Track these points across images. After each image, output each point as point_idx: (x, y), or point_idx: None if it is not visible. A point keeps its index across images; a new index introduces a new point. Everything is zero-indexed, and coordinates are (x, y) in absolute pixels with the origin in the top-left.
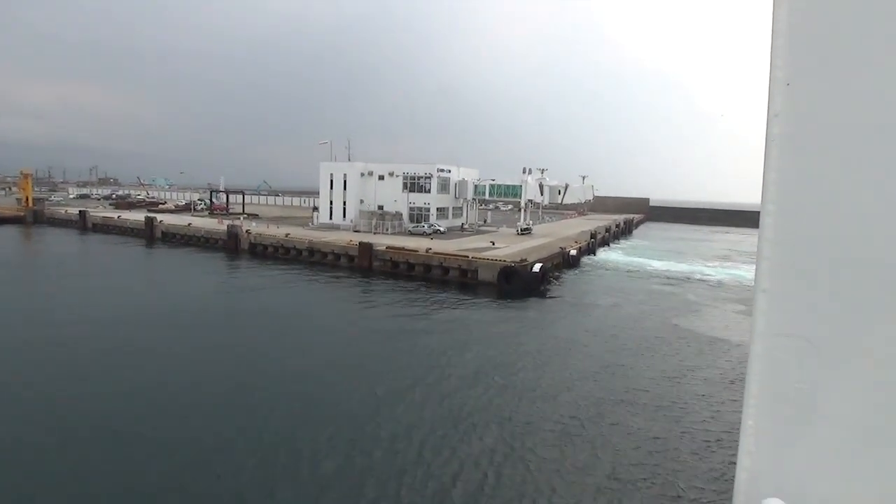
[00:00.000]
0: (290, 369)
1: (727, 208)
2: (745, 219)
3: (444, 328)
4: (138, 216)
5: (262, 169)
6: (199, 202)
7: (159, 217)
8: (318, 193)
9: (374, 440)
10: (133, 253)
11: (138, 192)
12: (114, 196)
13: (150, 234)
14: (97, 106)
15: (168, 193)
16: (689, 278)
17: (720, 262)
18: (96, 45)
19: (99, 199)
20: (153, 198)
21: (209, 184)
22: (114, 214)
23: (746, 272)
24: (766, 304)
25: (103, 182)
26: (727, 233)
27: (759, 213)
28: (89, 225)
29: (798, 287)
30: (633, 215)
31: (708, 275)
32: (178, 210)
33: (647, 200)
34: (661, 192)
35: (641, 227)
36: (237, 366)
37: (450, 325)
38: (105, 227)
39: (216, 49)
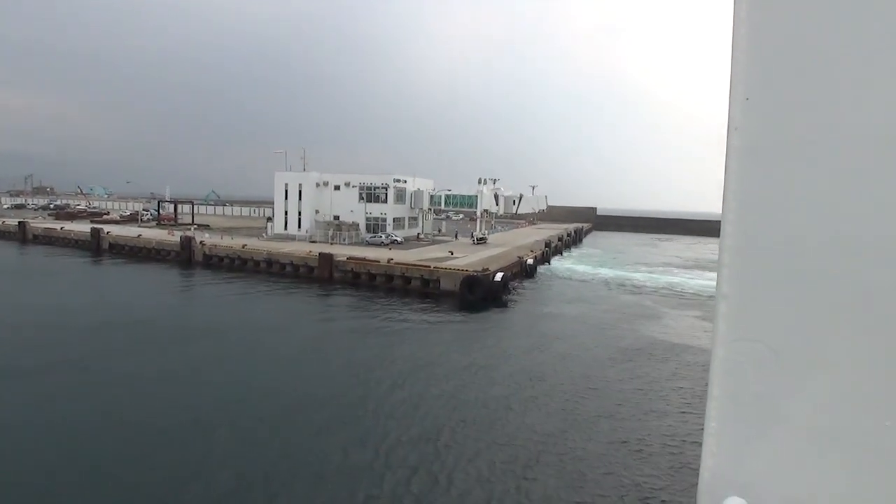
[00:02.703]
0: (263, 385)
1: (667, 217)
2: (683, 227)
3: (413, 339)
4: (82, 227)
5: (208, 178)
6: (146, 213)
7: (106, 228)
8: (269, 203)
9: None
10: (80, 266)
11: (78, 203)
12: (52, 206)
13: (96, 246)
14: (21, 108)
15: (108, 203)
16: (640, 285)
17: (661, 266)
18: (15, 45)
19: (36, 210)
20: (95, 208)
21: (152, 193)
22: (56, 225)
23: (683, 278)
24: (727, 309)
25: (39, 191)
26: (669, 240)
27: (696, 220)
28: (30, 237)
29: (757, 293)
30: (581, 224)
31: (650, 281)
32: (124, 221)
33: (594, 210)
34: (609, 202)
35: (590, 236)
36: (204, 384)
37: (418, 336)
38: (47, 239)
39: (161, 50)
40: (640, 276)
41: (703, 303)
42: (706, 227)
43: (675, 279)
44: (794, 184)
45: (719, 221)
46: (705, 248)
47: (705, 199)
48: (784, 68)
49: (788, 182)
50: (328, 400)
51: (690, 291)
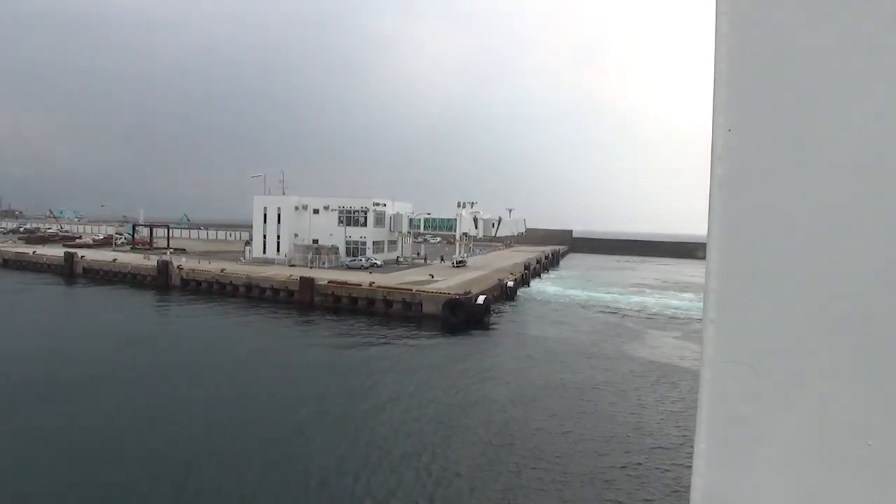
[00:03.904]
0: (248, 414)
1: (642, 238)
2: (656, 249)
3: (398, 364)
4: (55, 251)
5: (180, 200)
6: (119, 236)
7: (80, 252)
8: (244, 226)
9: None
10: (55, 291)
11: (48, 226)
12: (22, 230)
13: (69, 271)
14: None
15: (79, 227)
16: (616, 306)
17: (638, 288)
18: None
19: (6, 233)
20: (67, 231)
21: (125, 216)
22: (27, 250)
23: (656, 298)
24: (714, 333)
25: (7, 214)
26: (643, 262)
27: (670, 242)
28: (0, 261)
29: (743, 317)
30: (558, 247)
31: (626, 303)
32: (98, 245)
33: (570, 232)
34: (585, 224)
35: (567, 258)
36: (189, 411)
37: (403, 360)
38: (19, 264)
39: (129, 67)
40: (615, 298)
41: (674, 323)
42: (680, 249)
43: (647, 299)
44: (777, 212)
45: (692, 243)
46: (677, 268)
47: (681, 221)
48: (766, 100)
49: (771, 210)
50: (316, 421)
51: (667, 313)
